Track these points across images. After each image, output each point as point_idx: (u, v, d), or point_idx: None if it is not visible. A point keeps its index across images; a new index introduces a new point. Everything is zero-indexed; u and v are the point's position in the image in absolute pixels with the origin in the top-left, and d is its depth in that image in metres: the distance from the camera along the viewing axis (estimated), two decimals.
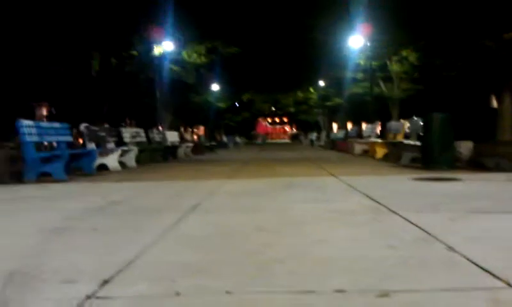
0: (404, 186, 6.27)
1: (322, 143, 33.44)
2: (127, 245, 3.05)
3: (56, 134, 9.51)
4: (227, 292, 2.11)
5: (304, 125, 67.05)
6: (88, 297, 2.08)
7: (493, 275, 2.24)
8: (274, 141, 77.35)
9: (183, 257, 2.76)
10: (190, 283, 2.25)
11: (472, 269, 2.37)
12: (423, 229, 3.32)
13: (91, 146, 10.63)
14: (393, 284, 2.15)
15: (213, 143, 29.40)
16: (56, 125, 9.72)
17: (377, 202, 4.68)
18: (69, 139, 10.07)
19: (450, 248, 2.77)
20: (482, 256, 2.54)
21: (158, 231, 3.44)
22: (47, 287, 2.25)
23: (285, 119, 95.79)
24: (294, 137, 79.82)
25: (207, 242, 3.16)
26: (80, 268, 2.54)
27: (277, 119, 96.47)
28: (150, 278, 2.34)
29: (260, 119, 27.55)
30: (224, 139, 41.74)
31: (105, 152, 10.97)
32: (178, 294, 2.10)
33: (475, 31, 16.20)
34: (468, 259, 2.53)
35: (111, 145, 11.61)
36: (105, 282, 2.29)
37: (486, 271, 2.30)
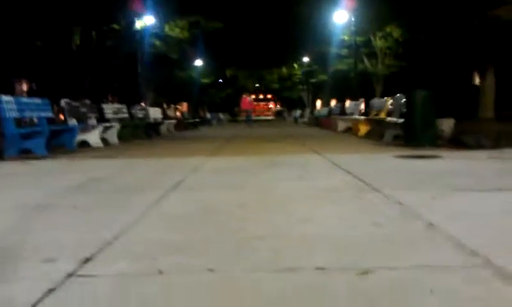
0: (386, 163, 6.31)
1: (306, 120, 33.49)
2: (109, 223, 3.02)
3: (37, 110, 9.33)
4: (209, 270, 2.11)
5: (289, 101, 67.00)
6: (70, 275, 2.07)
7: (473, 252, 2.27)
8: (258, 117, 77.28)
9: (165, 235, 2.75)
10: (172, 261, 2.24)
11: (452, 246, 2.40)
12: (405, 207, 3.35)
13: (73, 122, 10.48)
14: (375, 262, 2.17)
15: (196, 120, 29.24)
16: (37, 100, 9.54)
17: (361, 180, 4.70)
18: (50, 114, 9.90)
19: (432, 225, 2.80)
20: (462, 234, 2.57)
21: (140, 209, 3.42)
22: (29, 265, 2.23)
23: (269, 96, 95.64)
24: (278, 114, 79.86)
25: (190, 219, 3.15)
26: (61, 246, 2.52)
27: (261, 96, 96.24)
28: (131, 256, 2.33)
29: (245, 95, 27.19)
30: (208, 115, 41.51)
31: (87, 128, 10.83)
32: (160, 272, 2.10)
33: (459, 8, 16.21)
34: (449, 236, 2.56)
35: (92, 121, 11.46)
36: (87, 260, 2.27)
37: (467, 248, 2.33)
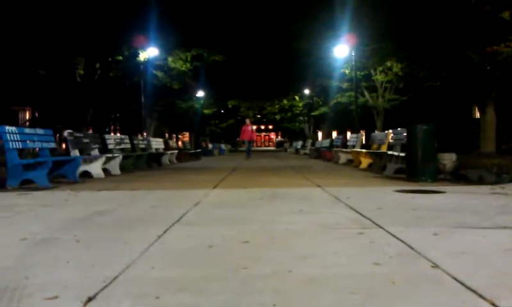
0: (388, 198, 6.31)
1: (307, 151, 33.53)
2: (112, 259, 3.02)
3: (40, 141, 9.40)
4: None
5: (290, 132, 67.27)
6: None
7: (478, 294, 2.25)
8: (258, 148, 77.57)
9: (168, 272, 2.74)
10: (175, 301, 2.24)
11: (457, 288, 2.39)
12: (407, 245, 3.34)
13: (75, 152, 10.52)
14: (382, 304, 2.16)
15: (198, 150, 29.33)
16: (40, 131, 9.59)
17: (362, 215, 4.70)
18: (52, 145, 9.96)
19: (435, 265, 2.79)
20: (467, 274, 2.56)
21: (143, 245, 3.41)
22: (32, 303, 2.22)
23: (270, 127, 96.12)
24: (278, 145, 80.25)
25: (192, 256, 3.14)
26: (65, 284, 2.51)
27: (262, 126, 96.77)
28: (135, 295, 2.32)
29: (245, 125, 26.70)
30: (210, 146, 41.64)
31: (89, 159, 10.87)
32: None
33: (458, 43, 16.42)
34: (453, 277, 2.55)
35: (95, 152, 11.51)
36: (90, 299, 2.26)
37: (471, 290, 2.32)
